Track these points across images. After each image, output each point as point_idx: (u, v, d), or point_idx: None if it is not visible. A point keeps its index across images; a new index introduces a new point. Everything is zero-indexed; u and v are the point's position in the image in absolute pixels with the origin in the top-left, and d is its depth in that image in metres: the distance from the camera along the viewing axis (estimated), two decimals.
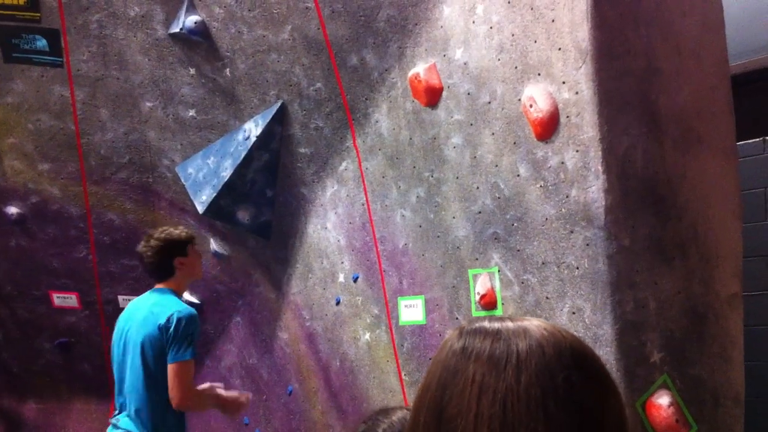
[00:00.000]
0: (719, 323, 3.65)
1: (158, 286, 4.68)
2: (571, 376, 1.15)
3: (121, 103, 6.25)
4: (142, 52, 6.06)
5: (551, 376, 1.14)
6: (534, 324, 1.22)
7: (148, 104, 6.19)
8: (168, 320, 4.41)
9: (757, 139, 5.41)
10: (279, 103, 5.55)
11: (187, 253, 4.73)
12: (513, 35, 3.85)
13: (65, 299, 6.89)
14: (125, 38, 6.07)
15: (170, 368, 4.38)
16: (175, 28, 5.81)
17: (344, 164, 5.30)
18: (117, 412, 4.66)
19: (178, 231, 4.77)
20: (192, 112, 6.06)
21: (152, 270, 4.71)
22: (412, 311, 4.82)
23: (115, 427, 4.61)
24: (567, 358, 1.17)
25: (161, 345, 4.42)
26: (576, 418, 1.13)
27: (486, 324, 1.24)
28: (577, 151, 3.52)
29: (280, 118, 5.58)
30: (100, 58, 6.17)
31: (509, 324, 1.22)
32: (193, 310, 4.61)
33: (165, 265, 4.66)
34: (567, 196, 3.61)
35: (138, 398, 4.51)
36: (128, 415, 4.52)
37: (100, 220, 6.57)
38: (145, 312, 4.55)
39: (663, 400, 3.48)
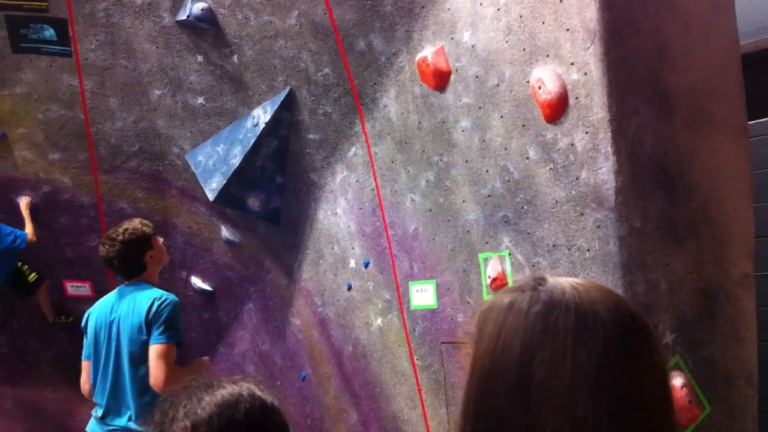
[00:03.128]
0: (731, 304, 3.63)
1: (132, 280, 4.58)
2: (643, 339, 1.30)
3: (130, 92, 6.26)
4: (149, 40, 6.06)
5: (632, 339, 1.27)
6: (594, 285, 1.34)
7: (157, 92, 6.19)
8: (150, 307, 4.32)
9: None
10: (287, 90, 5.54)
11: (153, 245, 4.61)
12: (521, 17, 3.82)
13: (79, 288, 6.93)
14: (132, 26, 6.06)
15: (152, 349, 4.25)
16: (182, 16, 5.80)
17: (353, 149, 5.29)
18: (106, 412, 4.49)
19: (140, 225, 4.59)
20: (201, 100, 6.06)
21: (123, 270, 4.58)
22: (423, 296, 4.82)
23: (106, 424, 4.48)
24: (639, 322, 1.31)
25: (146, 332, 4.33)
26: (650, 373, 1.27)
27: (559, 286, 1.33)
28: (586, 132, 3.50)
29: (289, 104, 5.57)
30: (108, 46, 6.18)
31: (579, 287, 1.32)
32: (173, 296, 4.50)
33: (137, 263, 4.54)
34: (577, 178, 3.59)
35: (130, 400, 4.39)
36: (124, 420, 4.39)
37: (112, 209, 6.59)
38: (127, 305, 4.45)
39: (676, 381, 3.48)
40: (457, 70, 4.32)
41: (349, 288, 5.46)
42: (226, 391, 1.87)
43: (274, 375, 6.36)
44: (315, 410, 5.90)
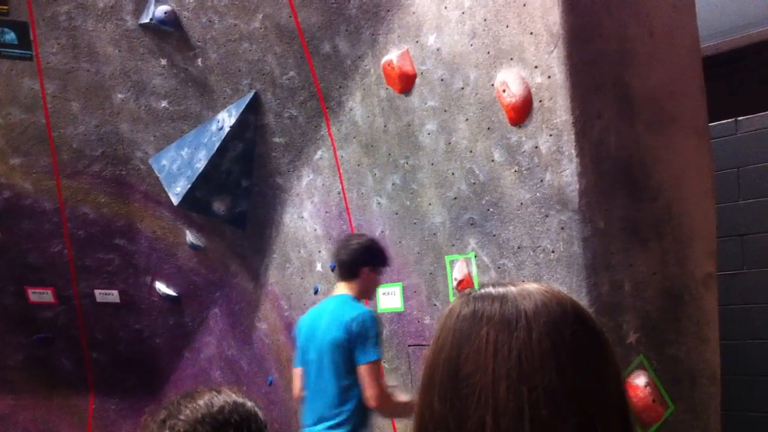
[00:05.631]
0: (695, 303, 3.67)
1: (337, 292, 4.52)
2: (576, 330, 1.27)
3: (93, 96, 6.19)
4: (112, 44, 6.00)
5: (559, 331, 1.25)
6: (535, 287, 1.33)
7: (120, 96, 6.13)
8: (351, 322, 4.28)
9: (730, 120, 5.44)
10: (252, 93, 5.52)
11: (377, 271, 4.48)
12: (485, 20, 3.84)
13: (41, 295, 6.83)
14: (95, 29, 6.00)
15: (361, 369, 4.27)
16: (145, 19, 5.75)
17: (319, 153, 5.28)
18: (314, 422, 4.50)
19: (380, 247, 4.54)
20: (164, 103, 6.01)
21: (339, 266, 4.51)
22: (390, 298, 4.82)
23: None
24: (570, 314, 1.29)
25: (348, 348, 4.32)
26: (583, 366, 1.25)
27: (492, 290, 1.34)
28: (550, 135, 3.53)
29: (254, 107, 5.55)
30: (69, 50, 6.10)
31: (513, 288, 1.33)
32: (370, 313, 4.45)
33: (352, 268, 4.43)
34: (541, 181, 3.62)
35: (335, 405, 4.42)
36: (330, 427, 4.42)
37: (75, 214, 6.51)
38: (329, 317, 4.42)
39: (640, 380, 3.51)
40: (422, 74, 4.33)
41: (316, 291, 5.45)
42: (204, 395, 1.93)
43: (240, 380, 6.32)
44: (282, 415, 5.87)
